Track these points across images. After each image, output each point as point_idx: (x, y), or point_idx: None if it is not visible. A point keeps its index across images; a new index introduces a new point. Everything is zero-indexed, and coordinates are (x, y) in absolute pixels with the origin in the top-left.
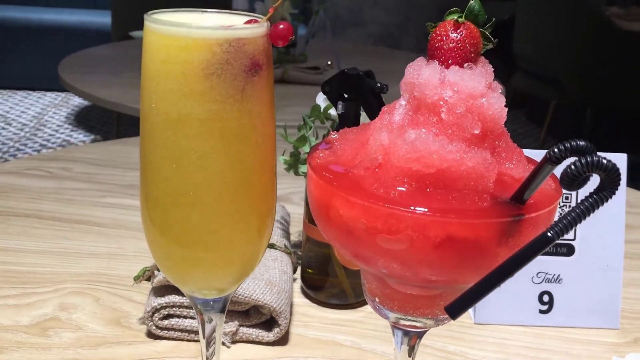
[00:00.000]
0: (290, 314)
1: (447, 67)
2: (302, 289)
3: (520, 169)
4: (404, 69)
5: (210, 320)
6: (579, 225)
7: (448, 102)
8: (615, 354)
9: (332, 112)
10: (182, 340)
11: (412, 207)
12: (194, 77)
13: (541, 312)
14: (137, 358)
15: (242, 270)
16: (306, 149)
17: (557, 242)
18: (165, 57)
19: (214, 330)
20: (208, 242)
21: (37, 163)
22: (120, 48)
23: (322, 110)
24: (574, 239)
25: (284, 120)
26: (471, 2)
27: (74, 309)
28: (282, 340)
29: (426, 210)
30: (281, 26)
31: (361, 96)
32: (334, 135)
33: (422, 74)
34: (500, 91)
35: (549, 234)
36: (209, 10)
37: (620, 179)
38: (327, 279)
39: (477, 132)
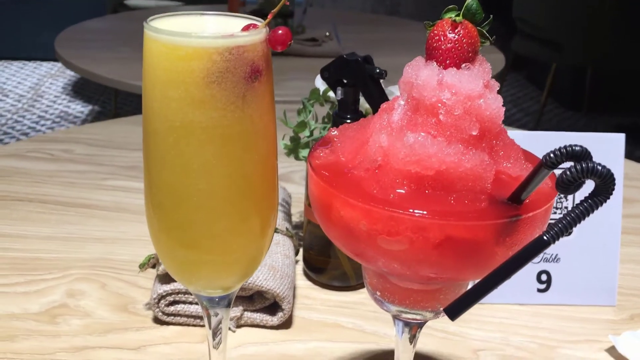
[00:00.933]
0: (294, 296)
1: (445, 67)
2: (304, 271)
3: (518, 167)
4: (403, 37)
5: (216, 314)
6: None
7: (446, 104)
8: (611, 332)
9: (332, 94)
10: (189, 325)
11: (411, 210)
12: (194, 85)
13: (539, 290)
14: (144, 344)
15: (247, 269)
16: (306, 133)
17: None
18: (165, 66)
19: (219, 322)
20: (212, 245)
21: (38, 145)
22: (116, 21)
23: (321, 93)
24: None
25: (283, 96)
26: (469, 1)
27: (81, 296)
28: (286, 324)
29: (425, 212)
30: (280, 31)
31: (360, 82)
32: (333, 132)
33: (420, 75)
34: (497, 88)
35: (544, 238)
36: (207, 12)
37: (614, 185)
38: (329, 261)
39: (474, 133)
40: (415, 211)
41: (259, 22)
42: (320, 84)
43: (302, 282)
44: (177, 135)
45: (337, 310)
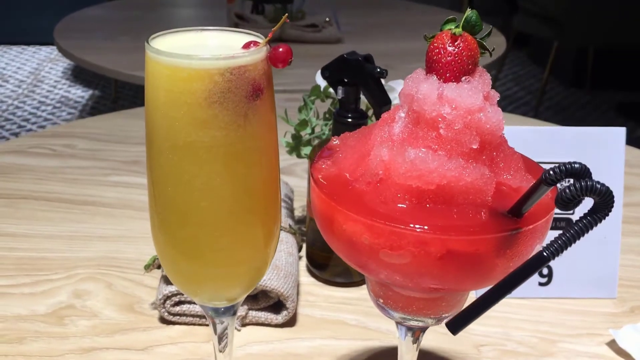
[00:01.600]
0: (297, 294)
1: (445, 80)
2: (307, 267)
3: (518, 178)
4: (404, 21)
5: (222, 322)
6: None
7: (446, 119)
8: (612, 324)
9: (332, 90)
10: (195, 324)
11: (413, 225)
12: (197, 106)
13: (541, 284)
14: (151, 344)
15: (251, 281)
16: (307, 130)
17: (556, 217)
18: (167, 87)
19: (225, 329)
20: (216, 259)
21: (40, 140)
22: (115, 9)
23: (322, 89)
24: (572, 213)
25: (283, 85)
26: (468, 12)
27: (88, 296)
28: (290, 322)
29: (427, 227)
30: (280, 49)
31: (361, 81)
32: (335, 141)
33: (421, 89)
34: (497, 99)
35: (545, 254)
36: (207, 28)
37: (613, 202)
38: (332, 258)
39: (475, 147)
40: (417, 226)
41: (260, 39)
42: (320, 80)
43: (306, 279)
44: (181, 154)
45: (340, 307)
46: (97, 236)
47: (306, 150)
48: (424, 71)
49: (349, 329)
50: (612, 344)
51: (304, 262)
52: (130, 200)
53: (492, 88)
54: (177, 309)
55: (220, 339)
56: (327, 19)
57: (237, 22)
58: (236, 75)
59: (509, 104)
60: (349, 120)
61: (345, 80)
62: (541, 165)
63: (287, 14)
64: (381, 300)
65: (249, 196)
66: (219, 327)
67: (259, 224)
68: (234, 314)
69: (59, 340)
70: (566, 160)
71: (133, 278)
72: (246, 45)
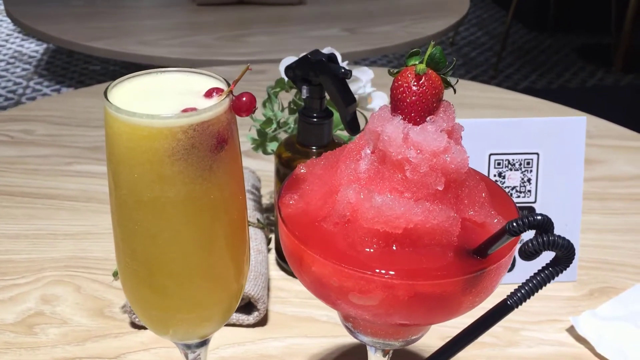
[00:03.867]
0: (268, 289)
1: (410, 120)
2: (276, 261)
3: (483, 214)
4: None
5: (195, 352)
6: (539, 188)
7: (412, 162)
8: (572, 309)
9: None
10: None
11: (381, 271)
12: (159, 163)
13: None
14: (124, 351)
15: (223, 318)
16: (273, 126)
17: (519, 205)
18: (128, 145)
19: (198, 355)
20: (187, 305)
21: None
22: None
23: (286, 81)
24: (534, 202)
25: (246, 55)
26: (433, 49)
27: (57, 301)
28: (262, 321)
29: (394, 273)
30: (244, 98)
31: (325, 81)
32: (302, 170)
33: (386, 130)
34: (462, 131)
35: (508, 303)
36: (167, 70)
37: (574, 256)
38: None
39: (440, 188)
40: (385, 272)
41: (221, 82)
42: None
43: (275, 273)
44: (146, 209)
45: (310, 303)
46: (63, 234)
47: (272, 146)
48: (389, 108)
49: (319, 325)
50: (572, 331)
51: (272, 255)
52: (94, 192)
53: (455, 33)
54: None
55: None
56: None
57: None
58: (199, 131)
59: (472, 50)
60: (314, 120)
61: (310, 80)
62: (505, 156)
63: (249, 65)
64: (351, 325)
65: (217, 244)
66: (192, 356)
67: (229, 267)
68: (207, 343)
69: (30, 351)
70: (528, 150)
71: (102, 279)
72: (208, 93)
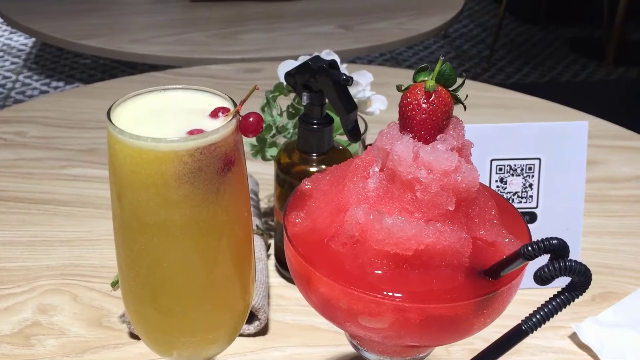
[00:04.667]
0: (268, 297)
1: (420, 138)
2: (276, 267)
3: (494, 233)
4: None
5: None
6: (541, 193)
7: (423, 182)
8: (574, 315)
9: None
10: None
11: (391, 294)
12: (165, 187)
13: None
14: None
15: (229, 339)
16: (272, 132)
17: (521, 211)
18: (133, 168)
19: None
20: (193, 328)
21: None
22: None
23: (284, 86)
24: (536, 207)
25: (240, 52)
26: (443, 66)
27: (54, 311)
28: (263, 330)
29: (406, 295)
30: (251, 119)
31: (326, 88)
32: (307, 185)
33: (396, 149)
34: (472, 147)
35: (523, 328)
36: (170, 88)
37: (590, 281)
38: None
39: (451, 208)
40: (396, 294)
41: (227, 101)
42: (283, 73)
43: (275, 280)
44: (151, 233)
45: (312, 311)
46: (59, 240)
47: (272, 152)
48: (397, 125)
49: (321, 334)
50: (575, 338)
51: (272, 261)
52: (90, 196)
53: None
54: None
55: None
56: None
57: None
58: (206, 154)
59: (465, 42)
60: (315, 126)
61: (310, 86)
62: (507, 161)
63: (256, 85)
64: (357, 342)
65: (223, 267)
66: None
67: (236, 288)
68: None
69: None
70: (530, 156)
71: (99, 288)
72: (214, 113)
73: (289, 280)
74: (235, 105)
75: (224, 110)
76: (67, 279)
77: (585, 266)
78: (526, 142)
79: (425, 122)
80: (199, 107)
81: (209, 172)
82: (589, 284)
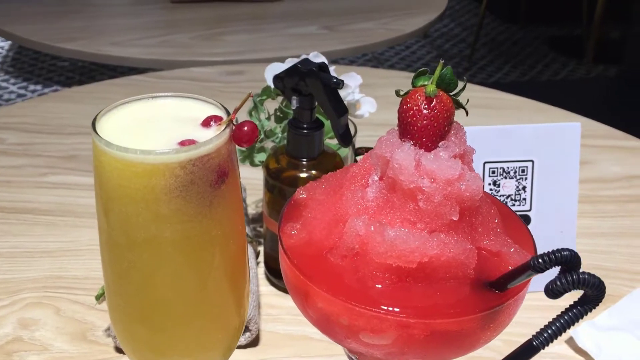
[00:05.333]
0: (259, 306)
1: (421, 145)
2: (266, 275)
3: (498, 242)
4: None
5: None
6: (534, 196)
7: (425, 192)
8: None
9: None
10: None
11: (394, 309)
12: (155, 202)
13: None
14: None
15: (224, 356)
16: (260, 137)
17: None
18: (121, 182)
19: None
20: (186, 347)
21: None
22: None
23: (272, 89)
24: (529, 210)
25: (223, 55)
26: (443, 70)
27: (36, 325)
28: (254, 342)
29: (410, 311)
30: (245, 127)
31: (316, 92)
32: (302, 194)
33: (396, 157)
34: (474, 153)
35: (534, 344)
36: (159, 95)
37: (604, 294)
38: None
39: (455, 218)
40: (399, 310)
41: (219, 109)
42: (270, 76)
43: (265, 288)
44: (140, 249)
45: (303, 320)
46: (40, 251)
47: (260, 157)
48: (397, 132)
49: (314, 344)
50: (572, 342)
51: (261, 269)
52: (71, 204)
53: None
54: None
55: None
56: None
57: None
58: (199, 166)
59: (446, 42)
60: (305, 131)
61: (300, 90)
62: (500, 164)
63: (251, 92)
64: (355, 356)
65: (216, 282)
66: None
67: (228, 306)
68: None
69: None
70: (523, 158)
71: (83, 300)
72: (206, 122)
73: (280, 288)
74: (228, 113)
75: (217, 119)
76: (49, 292)
77: (599, 279)
78: (519, 144)
79: (427, 129)
80: (190, 115)
81: (202, 185)
82: (603, 297)
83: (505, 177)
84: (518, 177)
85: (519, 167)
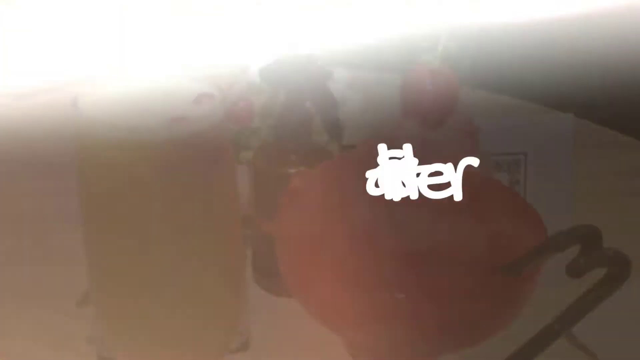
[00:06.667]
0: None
1: (426, 124)
2: (254, 276)
3: (509, 225)
4: None
5: None
6: (528, 190)
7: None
8: None
9: None
10: None
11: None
12: (143, 184)
13: None
14: None
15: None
16: (246, 133)
17: None
18: (105, 162)
19: None
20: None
21: None
22: None
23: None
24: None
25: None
26: (447, 43)
27: (10, 337)
28: (243, 346)
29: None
30: (240, 105)
31: (306, 84)
32: (296, 184)
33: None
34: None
35: (555, 328)
36: (148, 69)
37: (630, 272)
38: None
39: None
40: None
41: (212, 85)
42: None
43: (253, 290)
44: (128, 237)
45: (296, 323)
46: (16, 259)
47: (246, 154)
48: (400, 110)
49: (307, 348)
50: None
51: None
52: (46, 206)
53: None
54: None
55: None
56: None
57: None
58: (190, 144)
59: None
60: (293, 126)
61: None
62: (493, 157)
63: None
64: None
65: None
66: None
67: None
68: None
69: None
70: (516, 151)
71: (61, 308)
72: (199, 98)
73: (270, 290)
74: (221, 90)
75: (210, 95)
76: (24, 301)
77: (625, 255)
78: (511, 136)
79: (432, 107)
80: (181, 92)
81: (194, 166)
82: (629, 276)
83: (499, 171)
84: (511, 170)
85: (512, 160)
